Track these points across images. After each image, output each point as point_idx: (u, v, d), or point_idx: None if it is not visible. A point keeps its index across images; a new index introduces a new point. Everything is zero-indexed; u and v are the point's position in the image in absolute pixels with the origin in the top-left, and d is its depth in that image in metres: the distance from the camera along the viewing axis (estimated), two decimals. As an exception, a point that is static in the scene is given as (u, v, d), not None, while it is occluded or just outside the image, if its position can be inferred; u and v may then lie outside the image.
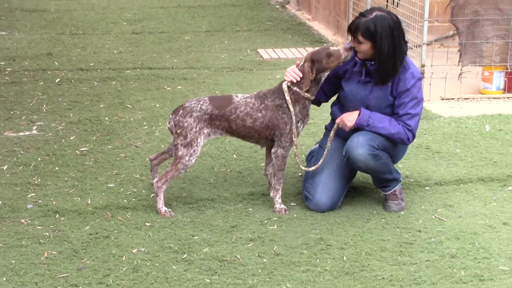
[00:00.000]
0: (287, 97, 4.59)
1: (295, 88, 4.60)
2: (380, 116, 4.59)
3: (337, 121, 4.67)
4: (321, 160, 4.73)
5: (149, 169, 5.06)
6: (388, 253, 4.19)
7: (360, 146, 4.52)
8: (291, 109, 4.58)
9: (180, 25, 10.67)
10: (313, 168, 4.75)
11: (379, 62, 4.51)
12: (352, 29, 4.53)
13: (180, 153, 4.60)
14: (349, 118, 4.60)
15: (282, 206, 4.71)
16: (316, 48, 4.70)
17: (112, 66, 8.27)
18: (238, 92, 6.47)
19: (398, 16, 4.68)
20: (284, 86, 4.63)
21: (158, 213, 4.62)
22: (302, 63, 4.61)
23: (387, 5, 8.32)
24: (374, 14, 4.50)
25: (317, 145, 5.03)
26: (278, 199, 4.71)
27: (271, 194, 4.76)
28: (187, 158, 4.60)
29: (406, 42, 4.64)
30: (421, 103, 4.67)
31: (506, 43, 7.04)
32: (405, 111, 4.59)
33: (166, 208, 4.64)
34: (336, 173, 4.75)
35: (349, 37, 4.67)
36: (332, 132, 4.73)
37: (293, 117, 4.59)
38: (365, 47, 4.50)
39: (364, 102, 4.67)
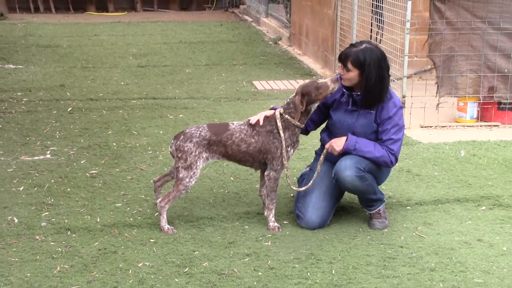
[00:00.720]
0: (279, 124, 4.61)
1: (286, 116, 4.63)
2: (366, 141, 4.62)
3: (327, 146, 4.69)
4: (311, 182, 4.74)
5: (153, 190, 5.05)
6: (373, 267, 4.19)
7: (348, 169, 4.54)
8: (282, 135, 4.60)
9: (182, 59, 10.72)
10: (303, 188, 4.76)
11: (365, 89, 4.54)
12: (343, 57, 4.57)
13: (181, 175, 4.61)
14: (338, 143, 4.62)
15: (276, 224, 4.71)
16: (306, 81, 4.72)
17: (119, 96, 8.30)
18: (235, 120, 6.50)
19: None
20: (277, 113, 4.65)
21: (161, 230, 4.61)
22: (293, 95, 4.64)
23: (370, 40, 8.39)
24: (363, 45, 4.57)
25: (308, 168, 5.04)
26: (271, 217, 4.72)
27: (265, 213, 4.76)
28: (187, 180, 4.61)
29: (389, 76, 4.69)
30: (403, 129, 4.71)
31: (478, 77, 7.10)
32: (388, 137, 4.62)
33: (168, 226, 4.64)
34: (325, 193, 4.76)
35: (336, 70, 4.71)
36: (322, 156, 4.75)
37: (283, 142, 4.60)
38: (353, 74, 4.54)
39: (350, 129, 4.69)
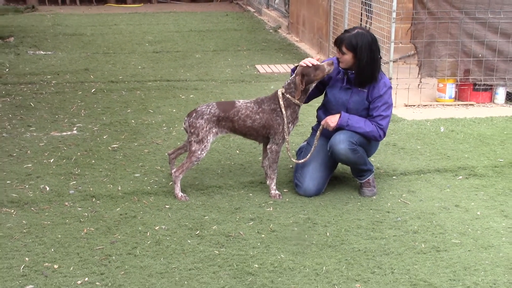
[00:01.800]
0: (281, 102, 4.60)
1: (287, 95, 4.61)
2: (357, 118, 4.61)
3: (322, 122, 4.68)
4: (308, 155, 4.74)
5: (167, 162, 5.06)
6: (363, 229, 4.20)
7: (341, 142, 4.54)
8: (284, 112, 4.59)
9: (192, 46, 10.68)
10: (302, 161, 4.76)
11: (358, 69, 4.54)
12: (338, 42, 4.56)
13: (193, 148, 4.60)
14: (332, 120, 4.61)
15: (277, 192, 4.71)
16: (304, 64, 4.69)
17: (137, 79, 8.27)
18: (240, 98, 6.46)
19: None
20: (279, 93, 4.63)
21: (176, 197, 4.63)
22: (294, 76, 4.62)
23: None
24: (356, 31, 4.56)
25: (305, 143, 5.03)
26: (273, 186, 4.72)
27: (267, 182, 4.76)
28: (199, 152, 4.60)
29: (380, 57, 4.68)
30: (391, 107, 4.69)
31: (455, 61, 7.07)
32: (378, 113, 4.62)
33: (182, 193, 4.65)
34: (321, 165, 4.76)
35: (330, 55, 4.68)
36: (318, 132, 4.74)
37: (285, 119, 4.60)
38: (348, 57, 4.53)
39: (344, 106, 4.68)
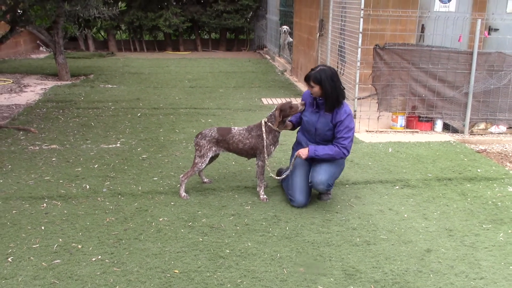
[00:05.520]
0: (263, 129, 4.47)
1: (269, 123, 4.48)
2: (322, 147, 4.34)
3: (296, 153, 4.44)
4: (286, 173, 4.56)
5: (180, 168, 4.96)
6: (315, 226, 4.04)
7: (321, 184, 4.31)
8: (265, 137, 4.45)
9: (219, 83, 10.61)
10: (280, 178, 4.61)
11: (325, 97, 4.30)
12: (307, 78, 4.33)
13: (196, 161, 4.50)
14: (303, 152, 4.36)
15: (265, 196, 4.54)
16: (284, 102, 4.54)
17: (172, 106, 8.20)
18: (244, 123, 6.36)
19: (335, 69, 4.46)
20: (263, 122, 4.49)
21: (179, 196, 4.52)
22: (274, 110, 4.48)
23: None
24: (319, 68, 4.32)
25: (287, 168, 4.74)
26: (261, 192, 4.55)
27: (257, 189, 4.57)
28: (199, 165, 4.50)
29: (343, 88, 4.37)
30: (353, 130, 4.34)
31: (405, 99, 6.84)
32: (341, 135, 4.30)
33: (185, 194, 4.53)
34: (305, 179, 4.46)
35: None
36: (293, 159, 4.52)
37: (265, 142, 4.45)
38: (316, 89, 4.30)
39: (314, 126, 4.41)
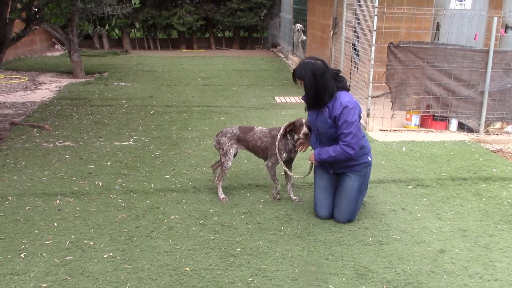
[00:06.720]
0: (281, 131, 4.34)
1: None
2: (326, 149, 3.97)
3: (309, 159, 4.28)
4: (305, 174, 4.47)
5: (192, 166, 4.95)
6: (327, 225, 4.00)
7: (342, 222, 4.04)
8: (277, 142, 4.34)
9: (232, 81, 10.59)
10: (301, 177, 4.46)
11: (307, 94, 3.91)
12: (293, 74, 4.00)
13: (222, 160, 4.45)
14: (312, 158, 4.14)
15: (277, 195, 4.49)
16: (301, 119, 4.26)
17: (185, 104, 8.20)
18: (257, 122, 6.33)
19: (325, 61, 3.92)
20: (281, 130, 4.35)
21: (219, 199, 4.40)
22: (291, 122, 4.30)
23: (350, 71, 8.11)
24: (305, 61, 3.87)
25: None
26: (274, 191, 4.48)
27: (273, 190, 4.50)
28: (226, 163, 4.43)
29: (333, 80, 3.86)
30: (354, 124, 3.80)
31: (419, 97, 6.77)
32: (341, 131, 3.85)
33: (223, 196, 4.43)
34: (324, 193, 4.16)
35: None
36: (311, 163, 4.33)
37: (277, 143, 4.33)
38: (302, 85, 3.91)
39: (315, 125, 4.06)
